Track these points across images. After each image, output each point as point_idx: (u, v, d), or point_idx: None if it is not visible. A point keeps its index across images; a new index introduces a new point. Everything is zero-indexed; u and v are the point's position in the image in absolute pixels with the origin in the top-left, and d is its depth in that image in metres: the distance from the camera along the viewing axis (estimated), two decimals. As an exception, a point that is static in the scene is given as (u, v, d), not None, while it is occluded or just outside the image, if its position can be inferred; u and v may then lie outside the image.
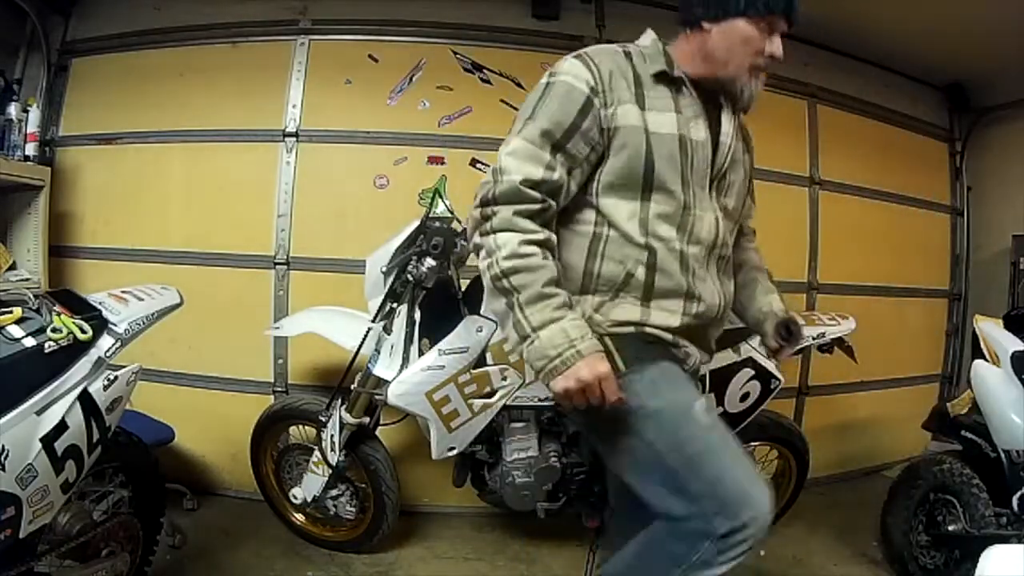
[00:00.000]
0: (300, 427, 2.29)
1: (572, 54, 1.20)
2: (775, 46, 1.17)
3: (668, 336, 1.20)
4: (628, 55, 1.21)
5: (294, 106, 2.62)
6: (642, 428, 1.14)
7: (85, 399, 1.40)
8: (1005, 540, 1.74)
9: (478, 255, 1.15)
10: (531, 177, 1.11)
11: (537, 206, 1.12)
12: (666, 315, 1.18)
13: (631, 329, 1.18)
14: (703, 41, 1.19)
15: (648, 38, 1.27)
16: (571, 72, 1.15)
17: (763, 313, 1.42)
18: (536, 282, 1.08)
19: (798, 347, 1.42)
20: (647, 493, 1.16)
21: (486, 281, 1.13)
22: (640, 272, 1.16)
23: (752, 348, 2.04)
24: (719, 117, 1.24)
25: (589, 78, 1.14)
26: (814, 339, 2.16)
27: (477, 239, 1.14)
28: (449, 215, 2.13)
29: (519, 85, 2.66)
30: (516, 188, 1.10)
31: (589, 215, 1.19)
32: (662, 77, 1.18)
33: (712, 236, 1.22)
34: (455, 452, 2.00)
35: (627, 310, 1.17)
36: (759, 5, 1.13)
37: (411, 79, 2.64)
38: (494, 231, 1.11)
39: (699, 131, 1.19)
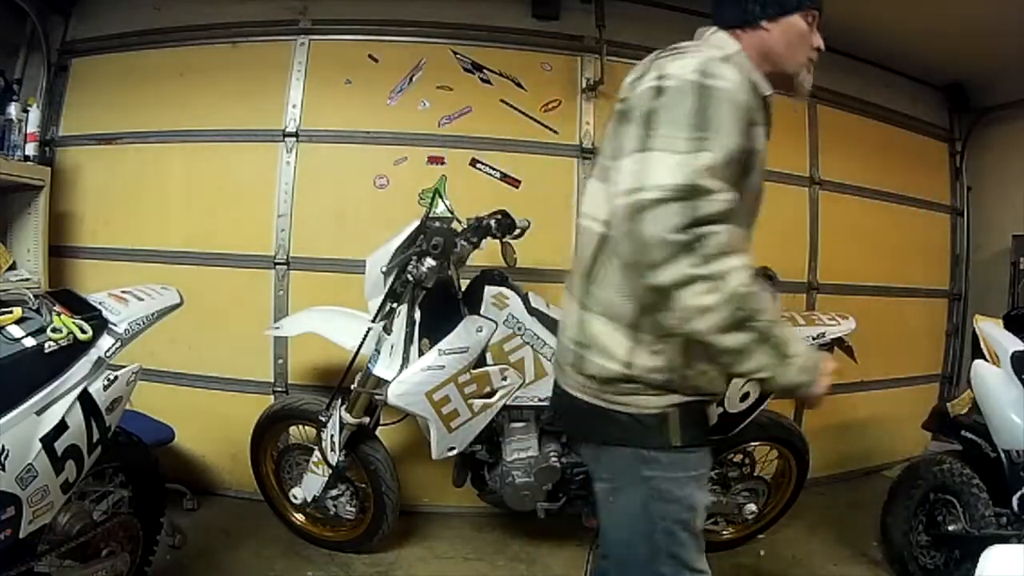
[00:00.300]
0: (300, 427, 2.29)
1: (718, 57, 1.03)
2: (820, 39, 1.19)
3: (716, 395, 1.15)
4: (744, 69, 1.09)
5: (294, 106, 2.62)
6: (653, 502, 1.12)
7: (85, 399, 1.40)
8: (1005, 540, 1.74)
9: (677, 281, 0.92)
10: (729, 198, 0.94)
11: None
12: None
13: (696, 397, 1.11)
14: (761, 39, 1.15)
15: (733, 45, 1.13)
16: (732, 79, 1.00)
17: None
18: (769, 303, 0.97)
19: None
20: (622, 553, 1.19)
21: (717, 315, 0.92)
22: None
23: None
24: None
25: (749, 89, 1.04)
26: (814, 339, 2.16)
27: (693, 267, 0.90)
28: (449, 215, 2.13)
29: (519, 85, 2.67)
30: (725, 209, 0.93)
31: None
32: (765, 97, 1.13)
33: None
34: (455, 452, 2.00)
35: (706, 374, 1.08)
36: (811, 0, 1.15)
37: (411, 79, 2.64)
38: (718, 255, 0.91)
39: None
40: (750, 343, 0.94)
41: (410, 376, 1.92)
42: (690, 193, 0.91)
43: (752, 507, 2.25)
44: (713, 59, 1.02)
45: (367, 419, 2.09)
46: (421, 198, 2.57)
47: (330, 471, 2.11)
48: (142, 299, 1.65)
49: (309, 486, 2.16)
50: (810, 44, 1.17)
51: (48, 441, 1.31)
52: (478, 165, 2.64)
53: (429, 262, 1.90)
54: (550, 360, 2.00)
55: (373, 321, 2.00)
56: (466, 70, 2.66)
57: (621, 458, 1.13)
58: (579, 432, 1.27)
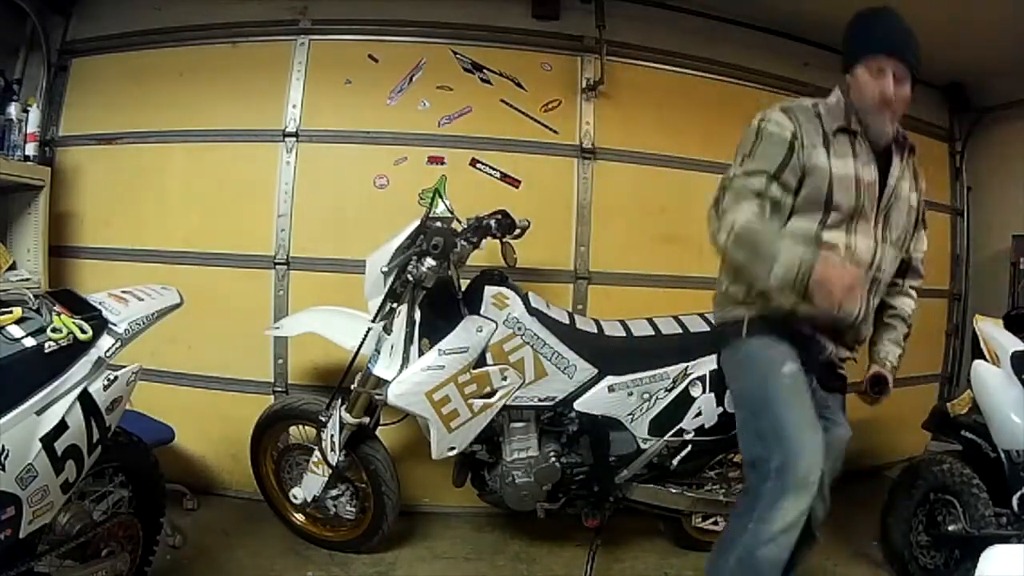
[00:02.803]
0: (300, 427, 2.29)
1: (779, 107, 1.51)
2: (884, 85, 1.43)
3: (807, 330, 1.53)
4: (818, 114, 1.50)
5: (294, 106, 2.62)
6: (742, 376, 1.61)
7: (85, 399, 1.40)
8: (1005, 540, 1.74)
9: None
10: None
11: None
12: (810, 307, 1.41)
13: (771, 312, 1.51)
14: (850, 85, 1.50)
15: (835, 96, 1.54)
16: (778, 121, 1.47)
17: (878, 359, 1.75)
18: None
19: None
20: (740, 434, 1.62)
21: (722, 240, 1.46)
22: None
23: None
24: (889, 162, 1.52)
25: (793, 128, 1.45)
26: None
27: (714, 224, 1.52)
28: (449, 215, 2.13)
29: (519, 85, 2.67)
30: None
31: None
32: (842, 131, 1.48)
33: (868, 259, 1.51)
34: (455, 452, 2.00)
35: (788, 298, 1.43)
36: (867, 50, 1.45)
37: (411, 79, 2.64)
38: (723, 213, 1.49)
39: (870, 173, 1.49)
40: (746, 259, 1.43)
41: (410, 376, 1.92)
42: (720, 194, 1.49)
43: (752, 507, 2.25)
44: (775, 110, 1.51)
45: (367, 419, 2.09)
46: (421, 198, 2.57)
47: (330, 471, 2.11)
48: (142, 299, 1.65)
49: (309, 486, 2.16)
50: (872, 92, 1.44)
51: (48, 441, 1.31)
52: (478, 165, 2.64)
53: (429, 262, 1.91)
54: (550, 360, 2.00)
55: (373, 321, 2.00)
56: (466, 70, 2.66)
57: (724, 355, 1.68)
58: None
